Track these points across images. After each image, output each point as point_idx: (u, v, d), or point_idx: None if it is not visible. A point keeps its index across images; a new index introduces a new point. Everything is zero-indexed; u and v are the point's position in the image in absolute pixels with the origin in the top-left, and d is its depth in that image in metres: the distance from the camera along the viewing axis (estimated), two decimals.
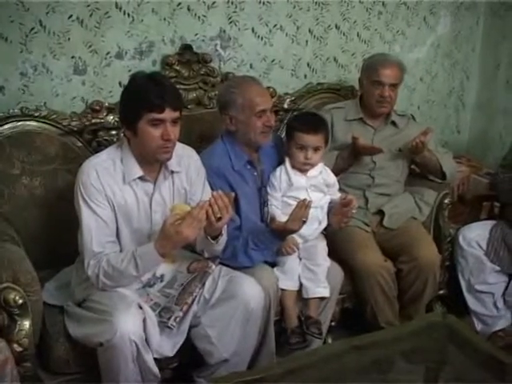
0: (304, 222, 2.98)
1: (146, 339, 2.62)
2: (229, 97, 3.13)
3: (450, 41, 4.75)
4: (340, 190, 3.39)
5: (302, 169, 3.21)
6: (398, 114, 3.78)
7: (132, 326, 2.53)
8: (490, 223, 3.85)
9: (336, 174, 3.37)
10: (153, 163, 2.77)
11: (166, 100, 2.61)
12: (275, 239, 3.06)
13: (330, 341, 3.47)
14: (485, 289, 3.73)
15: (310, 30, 4.06)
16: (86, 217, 2.68)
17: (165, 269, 2.81)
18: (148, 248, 2.60)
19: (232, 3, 3.74)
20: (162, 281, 2.81)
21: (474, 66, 4.95)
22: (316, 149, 3.18)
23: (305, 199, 2.98)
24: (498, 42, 4.80)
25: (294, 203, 3.04)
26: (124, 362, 2.55)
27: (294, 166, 3.21)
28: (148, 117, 2.61)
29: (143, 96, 2.62)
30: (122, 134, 3.20)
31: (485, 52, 4.91)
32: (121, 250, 2.76)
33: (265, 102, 3.13)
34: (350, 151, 3.55)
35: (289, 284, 3.14)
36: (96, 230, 2.67)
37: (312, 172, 3.22)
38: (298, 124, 3.22)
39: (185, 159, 2.89)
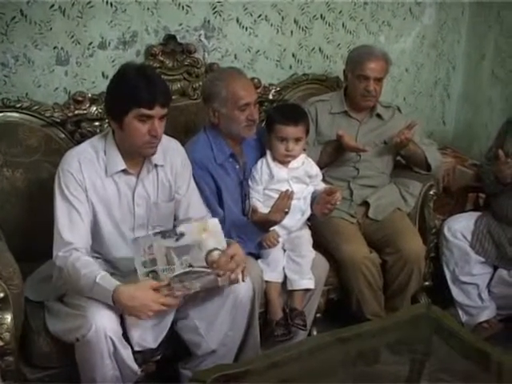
0: (286, 213, 2.98)
1: (126, 333, 2.60)
2: (213, 89, 3.11)
3: (435, 31, 4.73)
4: (325, 181, 3.40)
5: (284, 160, 3.21)
6: (383, 105, 3.77)
7: (108, 321, 2.50)
8: (475, 214, 3.86)
9: (321, 168, 3.38)
10: (136, 157, 2.75)
11: (156, 97, 2.58)
12: (258, 231, 3.07)
13: (315, 333, 3.47)
14: (469, 280, 3.74)
15: (295, 21, 4.03)
16: (61, 207, 2.65)
17: (188, 229, 2.63)
18: (108, 285, 2.51)
19: None
20: (177, 239, 2.61)
21: (459, 56, 4.94)
22: (297, 140, 3.18)
23: (287, 190, 2.98)
24: (484, 33, 4.79)
25: (276, 196, 3.05)
26: (100, 358, 2.52)
27: (275, 159, 3.21)
28: (137, 112, 2.58)
29: (133, 91, 2.58)
30: (106, 125, 3.18)
31: (470, 43, 4.90)
32: (102, 243, 2.75)
33: (249, 95, 3.12)
34: (334, 147, 3.55)
35: (273, 276, 3.13)
36: (69, 222, 2.64)
37: (293, 163, 3.23)
38: (278, 116, 3.22)
39: (170, 152, 2.86)
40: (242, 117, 3.09)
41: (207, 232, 2.61)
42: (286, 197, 2.95)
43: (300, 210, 3.22)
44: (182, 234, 2.58)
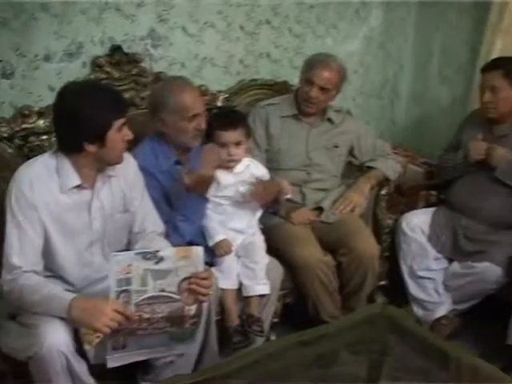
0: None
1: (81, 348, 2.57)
2: (161, 99, 3.10)
3: (382, 32, 4.78)
4: None
5: (228, 166, 3.23)
6: (334, 109, 3.79)
7: (60, 336, 2.45)
8: (432, 209, 3.94)
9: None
10: (93, 170, 2.71)
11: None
12: (197, 198, 3.06)
13: (273, 337, 3.46)
14: (427, 275, 3.80)
15: (241, 26, 4.02)
16: (10, 228, 2.59)
17: (169, 254, 2.57)
18: (65, 296, 2.49)
19: (161, 1, 3.67)
20: (157, 263, 2.54)
21: (407, 56, 5.00)
22: (237, 144, 3.20)
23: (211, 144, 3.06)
24: (430, 33, 4.85)
25: (226, 202, 3.14)
26: (54, 374, 2.48)
27: (219, 165, 3.20)
28: (118, 123, 2.57)
29: (112, 104, 2.57)
30: (54, 139, 3.14)
31: (417, 43, 4.97)
32: (56, 261, 2.69)
33: (197, 106, 3.12)
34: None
35: (228, 283, 3.13)
36: (18, 245, 2.58)
37: (238, 168, 3.25)
38: (216, 123, 3.24)
39: (123, 163, 2.84)
40: (190, 127, 3.09)
41: (188, 259, 2.57)
42: (213, 150, 3.01)
43: (250, 211, 3.25)
44: (162, 259, 2.54)
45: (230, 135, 3.19)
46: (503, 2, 4.20)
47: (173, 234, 2.99)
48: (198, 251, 2.59)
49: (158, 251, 2.54)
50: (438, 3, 4.74)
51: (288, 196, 3.33)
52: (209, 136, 3.24)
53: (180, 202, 3.07)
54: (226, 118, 3.30)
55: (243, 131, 3.25)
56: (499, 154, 3.63)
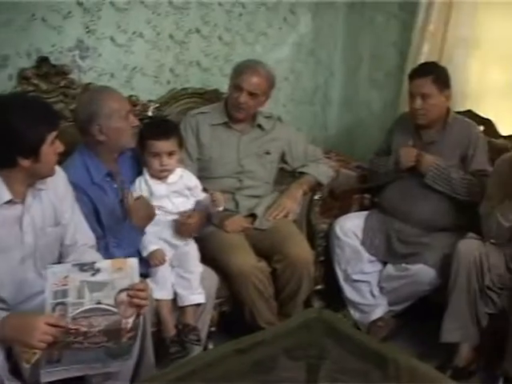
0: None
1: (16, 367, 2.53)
2: (93, 108, 3.06)
3: (311, 39, 4.82)
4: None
5: (160, 176, 3.20)
6: (264, 116, 3.80)
7: None
8: (365, 213, 3.98)
9: None
10: (24, 184, 2.65)
11: (57, 114, 2.53)
12: (132, 227, 3.06)
13: (211, 346, 3.45)
14: (361, 278, 3.84)
15: (170, 36, 4.01)
16: None
17: (105, 265, 2.53)
18: None
19: (88, 12, 3.64)
20: (93, 274, 2.50)
21: (337, 62, 5.05)
22: (170, 154, 3.19)
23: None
24: (359, 38, 4.92)
25: (159, 212, 3.11)
26: None
27: (152, 175, 3.20)
28: (51, 137, 2.53)
29: (46, 116, 2.53)
30: None
31: (347, 48, 5.03)
32: None
33: (126, 104, 3.16)
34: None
35: (163, 293, 3.11)
36: None
37: (171, 178, 3.23)
38: (148, 132, 3.23)
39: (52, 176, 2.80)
40: (127, 125, 3.11)
41: (123, 271, 2.53)
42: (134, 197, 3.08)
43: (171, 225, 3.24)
44: (98, 270, 2.50)
45: (163, 145, 3.17)
46: (430, 5, 4.27)
47: (104, 254, 2.93)
48: (133, 263, 2.56)
49: (94, 262, 2.51)
50: (366, 8, 4.82)
51: (220, 208, 3.32)
52: (142, 146, 3.23)
53: (112, 224, 3.06)
54: (158, 127, 3.28)
55: (176, 141, 3.23)
56: (428, 161, 3.69)
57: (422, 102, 3.67)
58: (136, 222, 3.07)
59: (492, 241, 3.47)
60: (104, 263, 2.54)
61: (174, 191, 3.22)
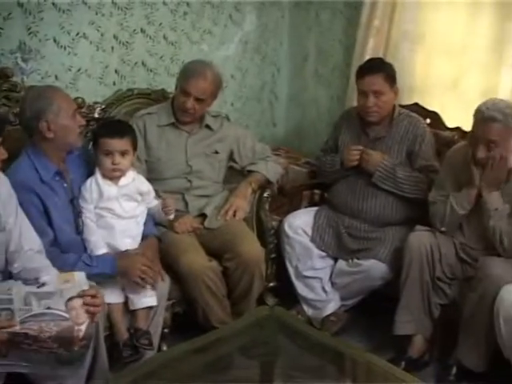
0: None
1: None
2: (42, 104, 3.01)
3: (257, 36, 4.82)
4: (159, 197, 3.40)
5: (112, 176, 3.17)
6: (211, 115, 3.79)
7: None
8: (313, 209, 3.98)
9: None
10: None
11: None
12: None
13: (165, 348, 3.42)
14: (313, 274, 3.85)
15: (114, 36, 3.97)
16: None
17: (51, 280, 2.52)
18: None
19: (30, 13, 3.58)
20: (39, 287, 2.47)
21: (283, 59, 5.07)
22: (123, 153, 3.15)
23: None
24: (304, 34, 4.94)
25: (108, 215, 3.09)
26: None
27: (104, 176, 3.16)
28: None
29: None
30: None
31: (292, 45, 5.04)
32: None
33: (73, 103, 3.14)
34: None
35: (113, 298, 3.07)
36: None
37: (123, 180, 3.19)
38: (103, 130, 3.22)
39: None
40: (75, 124, 3.07)
41: (71, 283, 2.50)
42: None
43: (130, 232, 3.20)
44: (43, 284, 2.48)
45: (116, 143, 3.14)
46: (374, 1, 4.31)
47: (56, 261, 2.87)
48: (80, 276, 2.55)
49: (37, 278, 2.51)
50: (311, 5, 4.83)
51: (171, 217, 3.31)
52: (95, 144, 3.21)
53: (74, 245, 3.06)
54: (112, 126, 3.28)
55: (130, 141, 3.20)
56: (375, 160, 3.72)
57: (375, 99, 3.69)
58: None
59: (442, 229, 3.52)
60: (50, 278, 2.52)
61: (125, 194, 3.18)
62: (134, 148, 3.26)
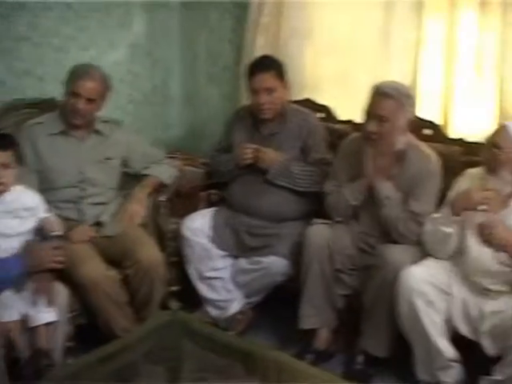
0: None
1: None
2: None
3: (147, 39, 4.80)
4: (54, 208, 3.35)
5: None
6: (102, 120, 3.73)
7: None
8: (211, 210, 3.98)
9: None
10: None
11: None
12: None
13: (70, 361, 3.35)
14: (214, 275, 3.85)
15: None
16: None
17: None
18: None
19: None
20: None
21: (174, 60, 5.05)
22: (4, 166, 3.02)
23: None
24: (195, 36, 4.96)
25: None
26: None
27: None
28: None
29: None
30: None
31: (183, 46, 5.04)
32: None
33: None
34: None
35: (9, 315, 2.96)
36: None
37: (7, 196, 3.06)
38: None
39: None
40: None
41: None
42: None
43: (12, 250, 3.05)
44: None
45: None
46: (261, 1, 4.35)
47: None
48: None
49: None
50: (200, 5, 4.83)
51: (55, 233, 3.19)
52: None
53: None
54: None
55: (11, 154, 3.07)
56: (269, 157, 3.76)
57: (267, 96, 3.72)
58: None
59: (338, 219, 3.59)
60: None
61: (7, 211, 3.04)
62: (17, 161, 3.15)
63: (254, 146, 3.79)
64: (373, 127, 3.35)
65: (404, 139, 3.42)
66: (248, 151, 3.78)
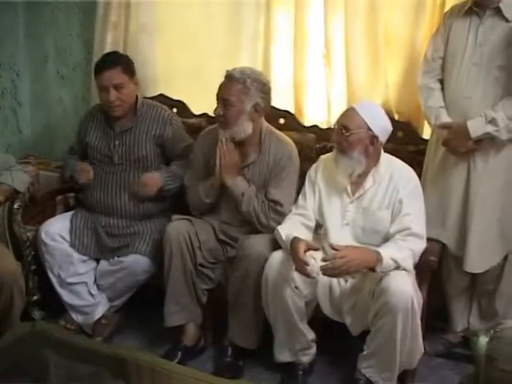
0: None
1: None
2: None
3: None
4: None
5: None
6: None
7: None
8: (69, 214, 3.89)
9: None
10: None
11: None
12: None
13: None
14: (77, 280, 3.74)
15: None
16: None
17: None
18: None
19: None
20: None
21: (21, 62, 4.87)
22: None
23: None
24: (42, 34, 4.80)
25: None
26: None
27: None
28: None
29: None
30: None
31: (30, 46, 4.87)
32: None
33: None
34: None
35: None
36: None
37: None
38: None
39: None
40: None
41: None
42: None
43: None
44: None
45: None
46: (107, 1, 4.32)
47: None
48: None
49: None
50: (46, 4, 4.71)
51: None
52: None
53: None
54: None
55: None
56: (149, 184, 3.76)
57: (116, 93, 3.67)
58: None
59: (195, 213, 3.63)
60: None
61: None
62: None
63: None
64: (219, 111, 3.43)
65: (251, 125, 3.47)
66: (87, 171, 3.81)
